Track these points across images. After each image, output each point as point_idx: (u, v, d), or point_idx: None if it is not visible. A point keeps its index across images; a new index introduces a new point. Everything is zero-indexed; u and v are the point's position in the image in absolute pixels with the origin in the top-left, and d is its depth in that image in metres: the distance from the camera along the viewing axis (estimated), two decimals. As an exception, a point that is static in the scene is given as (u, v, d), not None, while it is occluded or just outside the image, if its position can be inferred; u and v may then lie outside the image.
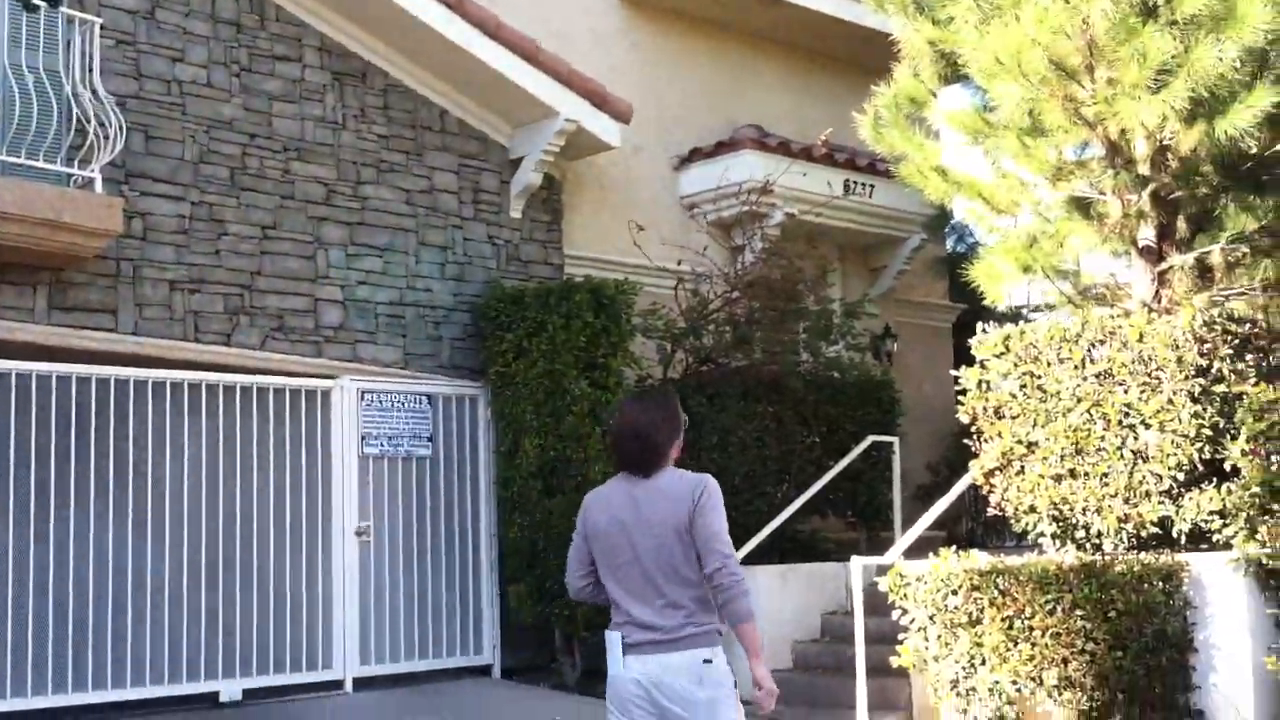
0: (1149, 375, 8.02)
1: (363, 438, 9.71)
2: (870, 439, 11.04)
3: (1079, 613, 7.50)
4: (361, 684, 9.50)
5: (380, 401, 9.83)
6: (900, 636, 8.37)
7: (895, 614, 8.40)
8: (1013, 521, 8.75)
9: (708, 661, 4.26)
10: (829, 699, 9.09)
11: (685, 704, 4.23)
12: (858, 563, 8.72)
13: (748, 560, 9.00)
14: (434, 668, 9.96)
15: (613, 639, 4.35)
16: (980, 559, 8.16)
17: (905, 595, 8.37)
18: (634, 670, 4.28)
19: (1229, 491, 7.47)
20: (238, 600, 9.06)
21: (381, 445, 9.82)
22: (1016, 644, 7.74)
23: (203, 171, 9.22)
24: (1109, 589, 7.44)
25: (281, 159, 9.60)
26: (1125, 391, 8.09)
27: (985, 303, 9.79)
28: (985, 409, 8.79)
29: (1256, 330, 8.21)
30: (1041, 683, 7.66)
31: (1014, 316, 12.95)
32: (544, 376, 9.70)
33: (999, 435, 8.69)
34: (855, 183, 12.60)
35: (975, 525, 12.94)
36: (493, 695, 9.70)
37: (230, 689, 8.91)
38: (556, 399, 9.65)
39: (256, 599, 9.14)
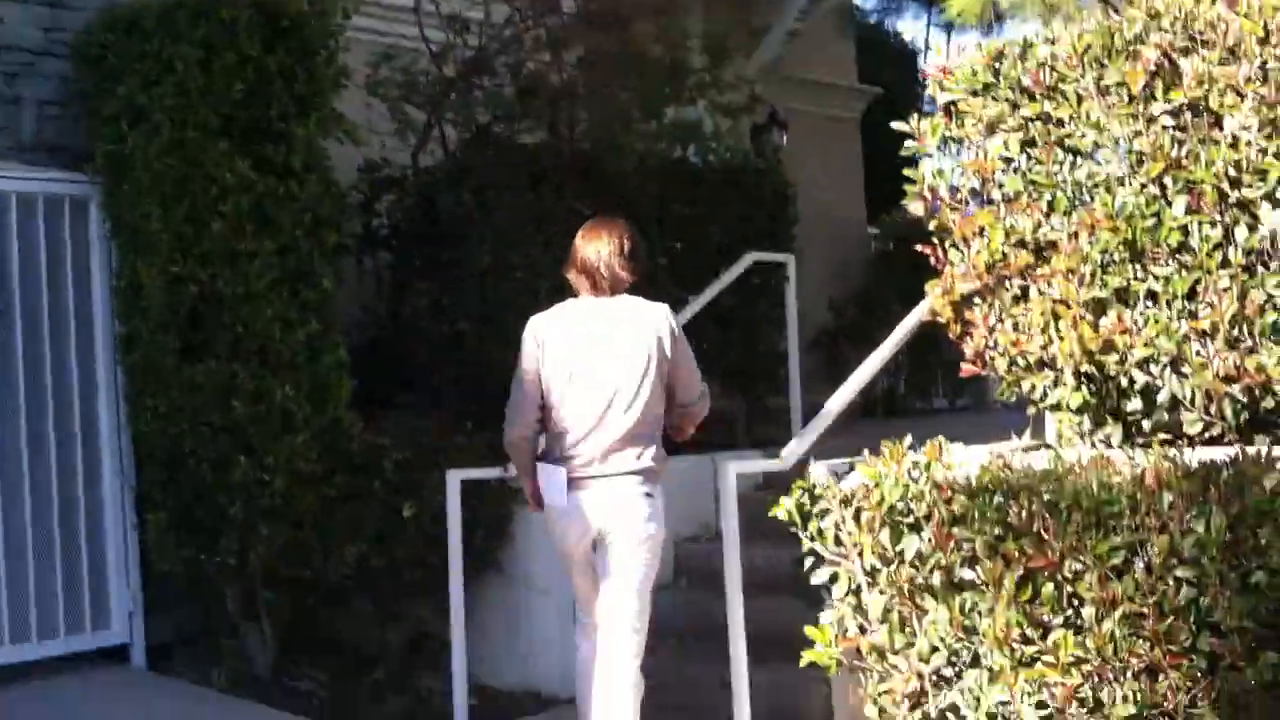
0: None
1: None
2: (751, 257, 7.01)
3: (1182, 572, 3.63)
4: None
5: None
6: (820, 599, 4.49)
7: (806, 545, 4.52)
8: (1005, 382, 4.92)
9: (649, 496, 4.35)
10: (681, 699, 5.23)
11: (620, 535, 4.33)
12: (730, 467, 4.83)
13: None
14: (29, 658, 5.88)
15: (555, 471, 4.33)
16: (966, 459, 4.26)
17: (820, 532, 4.45)
18: (579, 503, 4.31)
19: None
20: None
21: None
22: (1048, 631, 3.87)
23: None
24: (1253, 521, 3.58)
25: None
26: (1232, 142, 4.29)
27: (950, 16, 5.84)
28: (954, 190, 4.90)
29: None
30: (1098, 708, 3.83)
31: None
32: (170, 152, 5.51)
33: (980, 233, 4.84)
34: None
35: (896, 382, 9.74)
36: (110, 710, 5.64)
37: None
38: (196, 191, 5.50)
39: None
